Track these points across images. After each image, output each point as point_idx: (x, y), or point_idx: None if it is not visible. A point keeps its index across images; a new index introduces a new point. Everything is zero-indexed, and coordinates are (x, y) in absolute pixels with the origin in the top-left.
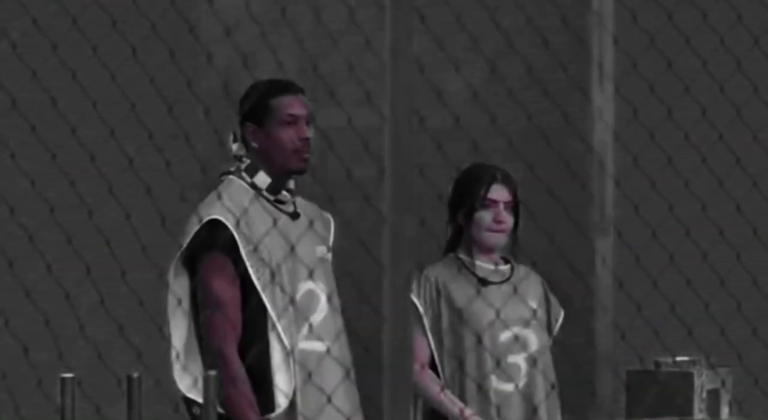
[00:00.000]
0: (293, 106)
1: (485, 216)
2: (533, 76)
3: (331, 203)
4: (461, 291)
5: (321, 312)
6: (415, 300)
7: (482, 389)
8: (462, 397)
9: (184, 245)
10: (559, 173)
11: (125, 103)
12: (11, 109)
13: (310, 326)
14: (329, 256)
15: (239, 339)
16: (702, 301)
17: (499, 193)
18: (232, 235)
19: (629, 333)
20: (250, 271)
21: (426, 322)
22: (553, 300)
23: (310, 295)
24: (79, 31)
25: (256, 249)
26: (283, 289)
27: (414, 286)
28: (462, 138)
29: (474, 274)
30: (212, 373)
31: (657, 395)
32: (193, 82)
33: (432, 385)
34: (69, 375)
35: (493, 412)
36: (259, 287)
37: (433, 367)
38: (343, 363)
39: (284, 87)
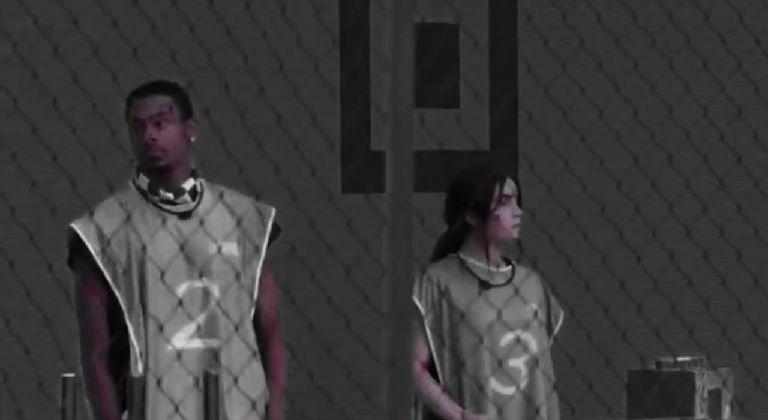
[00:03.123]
0: (137, 109)
1: (505, 212)
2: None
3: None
4: (462, 292)
5: (208, 311)
6: (416, 301)
7: (482, 391)
8: (461, 399)
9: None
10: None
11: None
12: (12, 109)
13: (196, 326)
14: (241, 254)
15: (106, 343)
16: (703, 301)
17: (510, 187)
18: (85, 243)
19: (630, 333)
20: (107, 276)
21: (427, 323)
22: (553, 301)
23: (197, 294)
24: (79, 31)
25: (104, 251)
26: (153, 290)
27: (415, 287)
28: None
29: (476, 277)
30: (213, 372)
31: (658, 395)
32: (194, 82)
33: (432, 387)
34: (70, 375)
35: (494, 412)
36: (115, 290)
37: (432, 368)
38: (229, 366)
39: (136, 91)
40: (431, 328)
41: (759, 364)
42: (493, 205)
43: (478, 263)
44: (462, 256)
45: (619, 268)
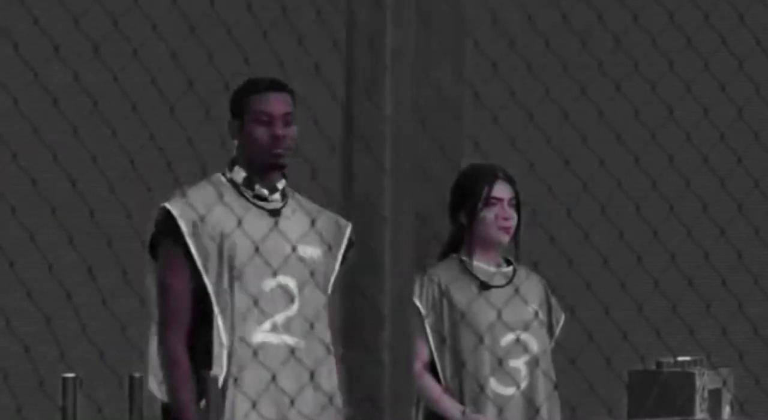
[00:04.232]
0: (267, 104)
1: (490, 214)
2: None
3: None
4: (463, 293)
5: (289, 310)
6: (417, 302)
7: (482, 391)
8: (461, 399)
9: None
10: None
11: (126, 103)
12: (12, 109)
13: (274, 322)
14: (321, 258)
15: (188, 328)
16: (703, 302)
17: (502, 190)
18: (179, 225)
19: (630, 333)
20: (198, 261)
21: (428, 323)
22: (555, 302)
23: (278, 291)
24: (80, 31)
25: (197, 236)
26: (238, 282)
27: (416, 288)
28: None
29: (476, 277)
30: (213, 373)
31: (658, 395)
32: (195, 82)
33: (432, 387)
34: (71, 375)
35: (495, 412)
36: (205, 277)
37: (433, 368)
38: (303, 362)
39: (262, 85)
40: (432, 329)
41: (759, 364)
42: (479, 206)
43: (478, 264)
44: (462, 256)
45: (619, 268)
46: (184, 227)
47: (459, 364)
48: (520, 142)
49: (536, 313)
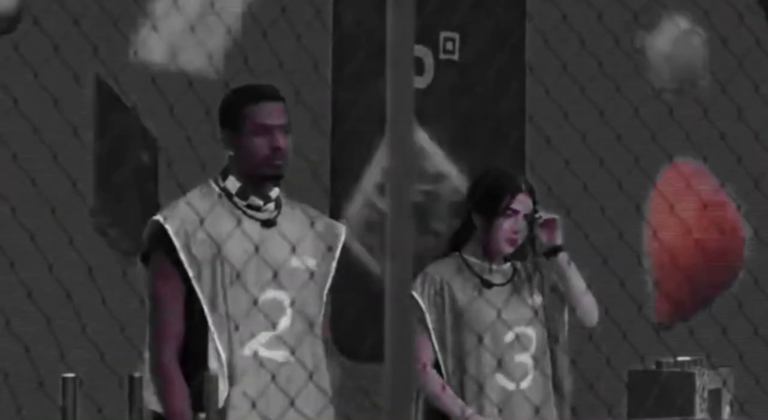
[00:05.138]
0: (266, 115)
1: (505, 226)
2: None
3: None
4: (464, 291)
5: (282, 322)
6: (419, 298)
7: (484, 389)
8: (463, 397)
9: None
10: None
11: (126, 103)
12: (12, 109)
13: (267, 335)
14: (315, 268)
15: (181, 341)
16: None
17: (522, 203)
18: (171, 238)
19: (630, 333)
20: (190, 274)
21: (429, 320)
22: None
23: (272, 303)
24: (80, 31)
25: (189, 247)
26: (231, 294)
27: (418, 284)
28: None
29: (477, 276)
30: (213, 373)
31: (658, 395)
32: (194, 82)
33: (434, 384)
34: (71, 375)
35: (495, 411)
36: (198, 290)
37: (437, 365)
38: (294, 375)
39: (259, 95)
40: (434, 326)
41: (759, 364)
42: (496, 215)
43: (479, 262)
44: (464, 254)
45: (619, 267)
46: (176, 241)
47: (461, 361)
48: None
49: (541, 306)
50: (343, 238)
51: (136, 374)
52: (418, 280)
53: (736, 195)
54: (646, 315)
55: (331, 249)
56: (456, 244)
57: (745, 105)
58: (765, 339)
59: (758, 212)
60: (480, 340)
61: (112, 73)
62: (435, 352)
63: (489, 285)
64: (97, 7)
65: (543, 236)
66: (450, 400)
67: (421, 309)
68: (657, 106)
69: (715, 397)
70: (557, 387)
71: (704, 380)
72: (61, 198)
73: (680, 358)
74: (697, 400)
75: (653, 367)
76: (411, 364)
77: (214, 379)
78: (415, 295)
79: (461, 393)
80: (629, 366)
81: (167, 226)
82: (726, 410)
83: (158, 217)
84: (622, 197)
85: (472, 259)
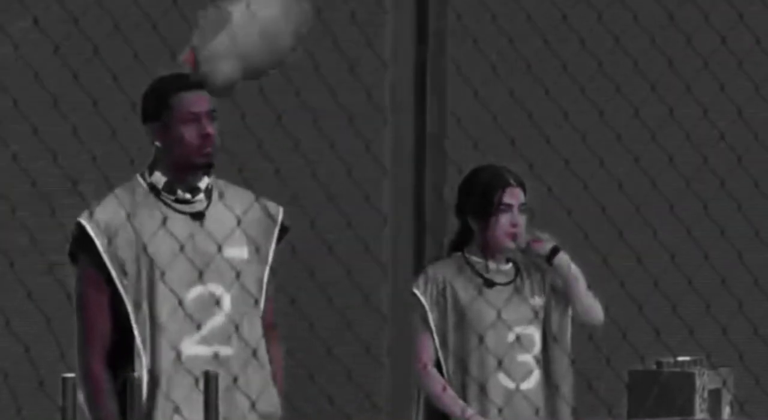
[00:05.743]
0: (194, 103)
1: (502, 220)
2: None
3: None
4: (466, 290)
5: (216, 317)
6: (421, 297)
7: (485, 389)
8: (465, 397)
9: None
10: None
11: (127, 103)
12: (12, 109)
13: (202, 331)
14: (249, 256)
15: (108, 344)
16: (703, 301)
17: (513, 196)
18: (93, 240)
19: (630, 333)
20: (113, 275)
21: (432, 319)
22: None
23: (204, 298)
24: (81, 31)
25: (111, 248)
26: (160, 291)
27: (420, 284)
28: None
29: (480, 275)
30: (214, 372)
31: (658, 395)
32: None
33: (435, 383)
34: (71, 375)
35: (496, 411)
36: (121, 290)
37: (438, 365)
38: (231, 370)
39: (184, 84)
40: (436, 326)
41: (759, 364)
42: (490, 212)
43: (481, 261)
44: (466, 254)
45: (619, 268)
46: (98, 242)
47: (462, 361)
48: (520, 142)
49: (542, 306)
50: (281, 218)
51: (135, 374)
52: (421, 280)
53: (736, 195)
54: (646, 315)
55: (266, 237)
56: (457, 245)
57: (744, 105)
58: (765, 339)
59: (758, 212)
60: (481, 340)
61: (112, 72)
62: (436, 352)
63: (491, 284)
64: (96, 8)
65: (535, 249)
66: (450, 400)
67: (423, 307)
68: (657, 106)
69: (715, 397)
70: (554, 386)
71: (704, 380)
72: (61, 198)
73: (680, 358)
74: (697, 400)
75: (653, 367)
76: (411, 364)
77: (138, 381)
78: (418, 293)
79: (463, 393)
80: (629, 366)
81: (88, 228)
82: (726, 410)
83: (80, 219)
84: (622, 197)
85: (474, 259)
